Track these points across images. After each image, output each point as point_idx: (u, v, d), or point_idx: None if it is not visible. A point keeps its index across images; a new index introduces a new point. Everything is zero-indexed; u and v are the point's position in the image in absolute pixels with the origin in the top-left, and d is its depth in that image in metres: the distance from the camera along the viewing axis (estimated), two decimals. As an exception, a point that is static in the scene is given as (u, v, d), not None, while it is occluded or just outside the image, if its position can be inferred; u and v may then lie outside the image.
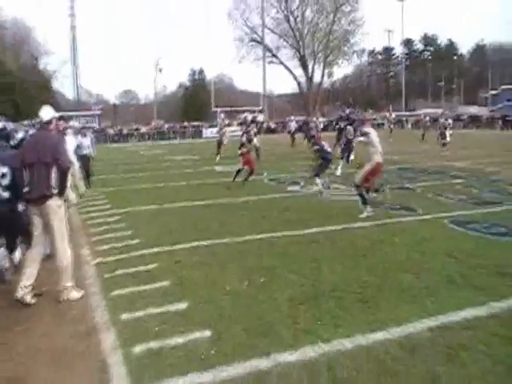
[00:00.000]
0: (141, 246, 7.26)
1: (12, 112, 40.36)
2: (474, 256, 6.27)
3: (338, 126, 20.37)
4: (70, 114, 44.55)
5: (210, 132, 47.26)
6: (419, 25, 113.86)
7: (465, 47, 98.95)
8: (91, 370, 3.80)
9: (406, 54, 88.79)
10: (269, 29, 70.69)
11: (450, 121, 24.17)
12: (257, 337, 4.21)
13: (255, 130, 17.62)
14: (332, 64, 74.59)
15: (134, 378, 3.63)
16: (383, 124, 50.31)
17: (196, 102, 71.61)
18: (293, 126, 29.87)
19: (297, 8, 71.13)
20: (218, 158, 21.11)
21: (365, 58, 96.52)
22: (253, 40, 72.26)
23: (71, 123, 14.69)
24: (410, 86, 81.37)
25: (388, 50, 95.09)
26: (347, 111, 25.52)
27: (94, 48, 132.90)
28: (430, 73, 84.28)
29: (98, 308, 5.07)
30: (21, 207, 5.67)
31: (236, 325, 4.47)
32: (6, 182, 5.49)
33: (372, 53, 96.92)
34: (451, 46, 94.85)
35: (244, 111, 51.64)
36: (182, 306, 4.96)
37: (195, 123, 54.49)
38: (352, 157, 16.29)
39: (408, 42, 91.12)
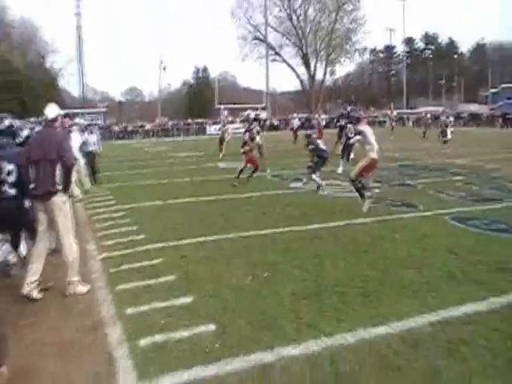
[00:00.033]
0: (146, 241, 7.27)
1: (19, 109, 40.45)
2: (474, 252, 6.26)
3: (339, 124, 20.27)
4: (76, 111, 44.59)
5: (213, 129, 47.19)
6: (420, 23, 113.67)
7: (465, 46, 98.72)
8: (98, 363, 3.81)
9: (407, 53, 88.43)
10: (272, 27, 70.74)
11: (451, 118, 24.09)
12: (260, 330, 4.22)
13: (258, 127, 17.60)
14: (334, 62, 74.54)
15: (140, 371, 3.64)
16: (385, 122, 50.27)
17: (200, 99, 71.58)
18: (295, 123, 29.86)
19: (299, 7, 71.07)
20: (221, 155, 21.14)
21: (366, 57, 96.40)
22: (256, 38, 72.22)
23: (76, 120, 14.72)
24: (411, 84, 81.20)
25: (389, 49, 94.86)
26: (349, 109, 25.46)
27: (100, 46, 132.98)
28: (431, 71, 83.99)
29: (104, 302, 5.08)
30: (27, 204, 5.69)
31: (240, 319, 4.48)
32: (12, 179, 5.51)
33: (374, 51, 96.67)
34: (452, 44, 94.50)
35: (247, 108, 51.58)
36: (187, 300, 4.97)
37: (199, 120, 54.48)
38: (352, 155, 16.12)
39: (409, 41, 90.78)
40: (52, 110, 5.60)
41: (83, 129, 13.84)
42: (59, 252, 5.54)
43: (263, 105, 62.52)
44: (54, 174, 5.24)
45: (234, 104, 59.73)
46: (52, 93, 53.93)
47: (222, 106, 55.67)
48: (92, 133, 13.80)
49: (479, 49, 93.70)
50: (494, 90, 71.75)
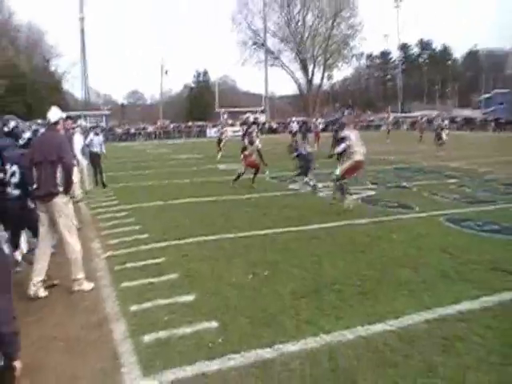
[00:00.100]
0: (149, 241, 7.28)
1: (24, 112, 40.37)
2: (468, 252, 6.28)
3: (334, 127, 20.32)
4: (79, 113, 44.61)
5: (213, 132, 47.19)
6: (415, 30, 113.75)
7: (458, 52, 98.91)
8: (103, 358, 3.82)
9: (403, 58, 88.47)
10: (271, 33, 70.78)
11: (447, 122, 24.08)
12: (261, 327, 4.24)
13: (256, 130, 17.59)
14: (332, 67, 74.59)
15: (145, 366, 3.66)
16: (381, 125, 50.37)
17: (200, 102, 71.57)
18: (294, 126, 29.84)
19: (298, 13, 71.14)
20: (219, 155, 21.25)
21: (363, 62, 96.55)
22: (255, 43, 72.28)
23: (79, 122, 14.74)
24: (407, 88, 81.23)
25: (385, 54, 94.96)
26: (346, 112, 25.51)
27: (103, 50, 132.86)
28: (426, 76, 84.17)
29: (109, 299, 5.10)
30: (31, 204, 5.71)
31: (241, 316, 4.50)
32: (15, 180, 5.53)
33: (370, 57, 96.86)
34: (446, 51, 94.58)
35: (246, 112, 51.60)
36: (190, 297, 4.98)
37: (200, 123, 54.49)
38: None
39: (404, 47, 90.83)
40: (54, 114, 5.62)
41: (86, 131, 13.87)
42: (62, 251, 5.55)
43: (262, 108, 62.56)
44: (54, 175, 5.27)
45: (234, 107, 59.75)
46: (56, 96, 53.98)
47: (223, 110, 55.74)
48: (98, 134, 13.81)
49: (472, 55, 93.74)
50: (486, 96, 71.87)
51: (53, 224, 5.36)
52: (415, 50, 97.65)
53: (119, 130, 49.60)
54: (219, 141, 22.41)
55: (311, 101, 70.08)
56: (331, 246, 6.81)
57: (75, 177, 5.85)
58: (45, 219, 5.37)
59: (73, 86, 74.04)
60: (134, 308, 4.77)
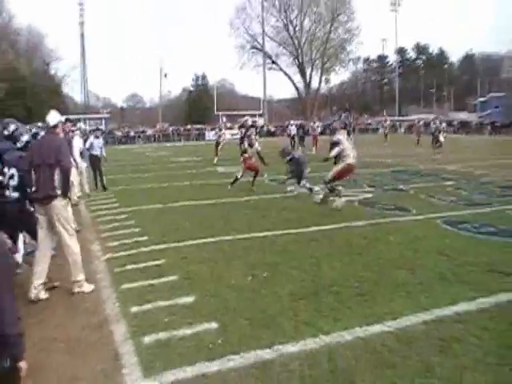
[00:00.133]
0: (149, 243, 7.28)
1: (24, 115, 40.34)
2: (465, 254, 6.30)
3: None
4: (79, 116, 44.59)
5: (212, 135, 47.21)
6: (412, 34, 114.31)
7: (455, 56, 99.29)
8: (104, 359, 3.83)
9: (400, 62, 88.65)
10: (269, 37, 71.03)
11: (444, 124, 24.09)
12: (260, 328, 4.25)
13: (254, 134, 17.58)
14: (329, 71, 74.93)
15: (145, 367, 3.66)
16: (378, 129, 50.46)
17: (199, 105, 71.58)
18: (293, 129, 29.86)
19: (296, 17, 71.48)
20: (216, 159, 21.12)
21: (360, 66, 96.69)
22: (253, 47, 72.55)
23: (79, 125, 14.72)
24: (403, 92, 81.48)
25: (382, 58, 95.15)
26: (343, 116, 25.54)
27: (102, 53, 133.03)
28: (422, 80, 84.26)
29: (109, 301, 5.11)
30: (30, 207, 5.71)
31: (241, 317, 4.51)
32: (14, 182, 5.54)
33: (367, 60, 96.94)
34: (442, 55, 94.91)
35: (245, 115, 51.63)
36: (190, 299, 4.99)
37: (198, 126, 54.55)
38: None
39: (401, 51, 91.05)
40: (53, 117, 5.64)
41: (86, 134, 13.87)
42: (61, 253, 5.56)
43: (260, 112, 62.64)
44: (52, 178, 5.29)
45: (233, 111, 59.79)
46: (56, 99, 53.94)
47: (221, 113, 55.75)
48: (98, 137, 13.81)
49: (468, 59, 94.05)
50: (482, 99, 72.18)
51: (52, 227, 5.37)
52: (412, 54, 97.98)
53: (119, 133, 49.62)
54: (217, 144, 22.29)
55: (309, 104, 70.30)
56: (329, 248, 6.82)
57: (74, 179, 5.85)
58: (44, 222, 5.37)
59: (72, 90, 74.13)
60: (134, 309, 4.77)
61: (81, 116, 47.89)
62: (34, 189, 5.36)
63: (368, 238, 7.28)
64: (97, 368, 3.71)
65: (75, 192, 11.39)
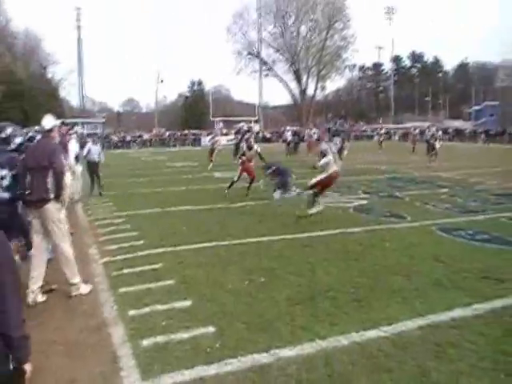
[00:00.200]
0: (146, 247, 7.30)
1: (21, 118, 40.24)
2: (460, 261, 6.35)
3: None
4: (76, 120, 44.54)
5: (207, 140, 47.25)
6: (407, 43, 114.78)
7: (449, 65, 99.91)
8: (102, 362, 3.84)
9: (395, 70, 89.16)
10: (266, 43, 71.22)
11: (440, 132, 24.16)
12: (257, 333, 4.27)
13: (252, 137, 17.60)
14: (325, 78, 75.18)
15: (143, 370, 3.68)
16: (373, 136, 50.70)
17: (195, 111, 71.64)
18: (289, 135, 30.00)
19: (292, 24, 71.74)
20: (210, 165, 21.04)
21: (356, 73, 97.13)
22: (250, 53, 72.79)
23: (75, 129, 14.69)
24: (398, 100, 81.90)
25: (377, 66, 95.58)
26: (338, 123, 25.68)
27: (99, 58, 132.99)
28: (417, 88, 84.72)
29: (107, 304, 5.12)
30: (21, 209, 5.71)
31: (238, 321, 4.53)
32: (5, 183, 5.54)
33: (363, 68, 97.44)
34: (437, 63, 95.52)
35: (241, 121, 51.72)
36: (187, 303, 5.01)
37: (194, 131, 54.56)
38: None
39: (396, 59, 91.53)
40: (48, 121, 5.66)
41: (83, 138, 13.85)
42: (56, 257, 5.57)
43: (256, 118, 62.74)
44: (45, 181, 5.30)
45: (229, 116, 59.86)
46: (53, 103, 53.87)
47: (217, 119, 55.85)
48: (96, 143, 13.80)
49: (463, 68, 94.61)
50: (477, 107, 72.64)
51: (46, 230, 5.37)
52: (407, 62, 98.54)
53: (115, 138, 49.53)
54: (211, 150, 22.22)
55: (305, 111, 70.53)
56: (325, 254, 6.85)
57: (68, 183, 5.84)
58: (37, 225, 5.38)
59: (69, 94, 74.03)
60: (132, 313, 4.79)
61: (77, 120, 47.79)
62: (27, 192, 5.36)
63: (364, 245, 7.32)
64: (95, 370, 3.72)
65: (73, 192, 11.39)
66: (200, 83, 79.62)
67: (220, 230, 8.51)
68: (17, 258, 5.92)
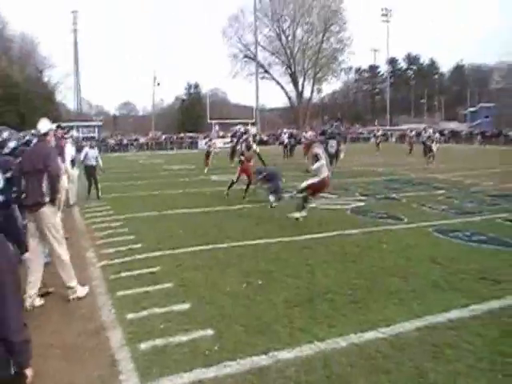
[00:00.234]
0: (143, 250, 7.29)
1: (17, 122, 40.17)
2: (457, 262, 6.37)
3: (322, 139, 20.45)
4: (73, 124, 44.45)
5: (203, 143, 47.25)
6: (403, 45, 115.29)
7: (445, 67, 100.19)
8: (101, 366, 3.84)
9: (391, 72, 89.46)
10: (261, 46, 71.30)
11: (437, 134, 24.19)
12: (256, 335, 4.27)
13: (250, 138, 17.58)
14: (321, 80, 75.29)
15: (142, 373, 3.67)
16: (369, 138, 50.82)
17: (192, 114, 71.59)
18: (286, 138, 30.05)
19: (288, 27, 71.89)
20: (206, 169, 20.99)
21: (352, 76, 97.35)
22: (246, 56, 72.88)
23: (71, 133, 14.64)
24: (394, 102, 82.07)
25: (374, 68, 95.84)
26: (334, 125, 25.70)
27: (95, 61, 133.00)
28: (413, 90, 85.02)
29: (105, 307, 5.11)
30: (17, 213, 5.70)
31: (236, 324, 4.53)
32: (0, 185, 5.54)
33: (359, 70, 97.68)
34: (433, 65, 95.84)
35: (237, 124, 51.77)
36: (185, 306, 5.01)
37: (191, 134, 54.56)
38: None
39: (392, 61, 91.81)
40: (44, 125, 5.67)
41: (78, 141, 13.81)
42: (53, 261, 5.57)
43: (253, 120, 62.79)
44: (40, 184, 5.29)
45: (225, 119, 59.89)
46: (49, 106, 53.75)
47: (214, 121, 55.88)
48: (93, 147, 13.78)
49: (458, 70, 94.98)
50: (472, 109, 72.99)
51: (41, 233, 5.37)
52: (403, 65, 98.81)
53: (112, 141, 49.49)
54: (208, 153, 22.14)
55: (301, 113, 70.62)
56: (323, 256, 6.86)
57: (64, 186, 5.84)
58: (33, 228, 5.37)
59: (65, 97, 73.73)
60: (130, 316, 4.78)
61: (74, 123, 47.68)
62: (23, 196, 5.37)
63: (361, 246, 7.34)
64: (94, 374, 3.71)
65: (69, 196, 11.38)
66: (197, 86, 79.57)
67: (218, 232, 8.51)
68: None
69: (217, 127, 52.69)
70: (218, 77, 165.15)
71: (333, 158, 16.27)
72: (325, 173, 9.08)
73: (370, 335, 4.21)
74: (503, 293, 5.19)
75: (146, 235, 8.33)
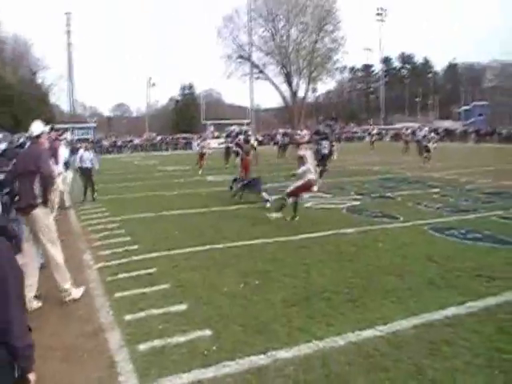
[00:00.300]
0: (140, 252, 7.29)
1: (11, 124, 39.99)
2: (452, 260, 6.41)
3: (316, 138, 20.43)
4: (66, 126, 44.32)
5: (196, 144, 47.18)
6: (397, 44, 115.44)
7: (439, 65, 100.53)
8: (100, 367, 3.85)
9: (385, 71, 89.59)
10: (256, 46, 71.20)
11: (433, 134, 24.24)
12: (254, 335, 4.29)
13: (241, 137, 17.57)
14: (316, 80, 75.13)
15: (141, 374, 3.68)
16: (364, 137, 50.95)
17: (186, 115, 71.45)
18: (280, 138, 30.09)
19: (282, 27, 71.71)
20: (200, 170, 20.87)
21: (346, 75, 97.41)
22: (241, 57, 72.53)
23: (64, 135, 14.62)
24: (388, 101, 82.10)
25: (368, 67, 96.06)
26: (327, 124, 25.74)
27: (89, 62, 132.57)
28: (407, 89, 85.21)
29: (103, 309, 5.11)
30: (13, 215, 5.70)
31: (234, 324, 4.55)
32: None
33: (353, 70, 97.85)
34: (426, 64, 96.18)
35: (232, 124, 51.74)
36: (183, 306, 5.02)
37: (186, 135, 54.49)
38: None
39: (386, 60, 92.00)
40: (37, 127, 5.67)
41: (72, 143, 13.80)
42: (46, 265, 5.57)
43: (248, 120, 62.77)
44: (32, 186, 5.30)
45: (220, 120, 59.83)
46: (43, 108, 53.48)
47: (209, 122, 55.84)
48: (88, 150, 13.76)
49: (452, 68, 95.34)
50: (466, 107, 73.29)
51: (35, 235, 5.37)
52: (397, 64, 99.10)
53: (106, 143, 49.39)
54: (201, 154, 22.01)
55: (296, 113, 70.42)
56: (319, 256, 6.89)
57: (59, 188, 5.85)
58: (27, 231, 5.38)
59: (59, 99, 73.48)
60: (128, 317, 4.79)
61: (68, 125, 47.54)
62: (17, 198, 5.38)
63: (357, 245, 7.37)
64: (93, 376, 3.72)
65: (63, 198, 11.38)
66: (191, 87, 79.45)
67: (214, 233, 8.52)
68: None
69: (212, 128, 52.67)
70: (213, 77, 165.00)
71: (326, 158, 16.22)
72: (309, 176, 9.15)
73: (367, 333, 4.23)
74: (499, 289, 5.23)
75: (143, 236, 8.34)
